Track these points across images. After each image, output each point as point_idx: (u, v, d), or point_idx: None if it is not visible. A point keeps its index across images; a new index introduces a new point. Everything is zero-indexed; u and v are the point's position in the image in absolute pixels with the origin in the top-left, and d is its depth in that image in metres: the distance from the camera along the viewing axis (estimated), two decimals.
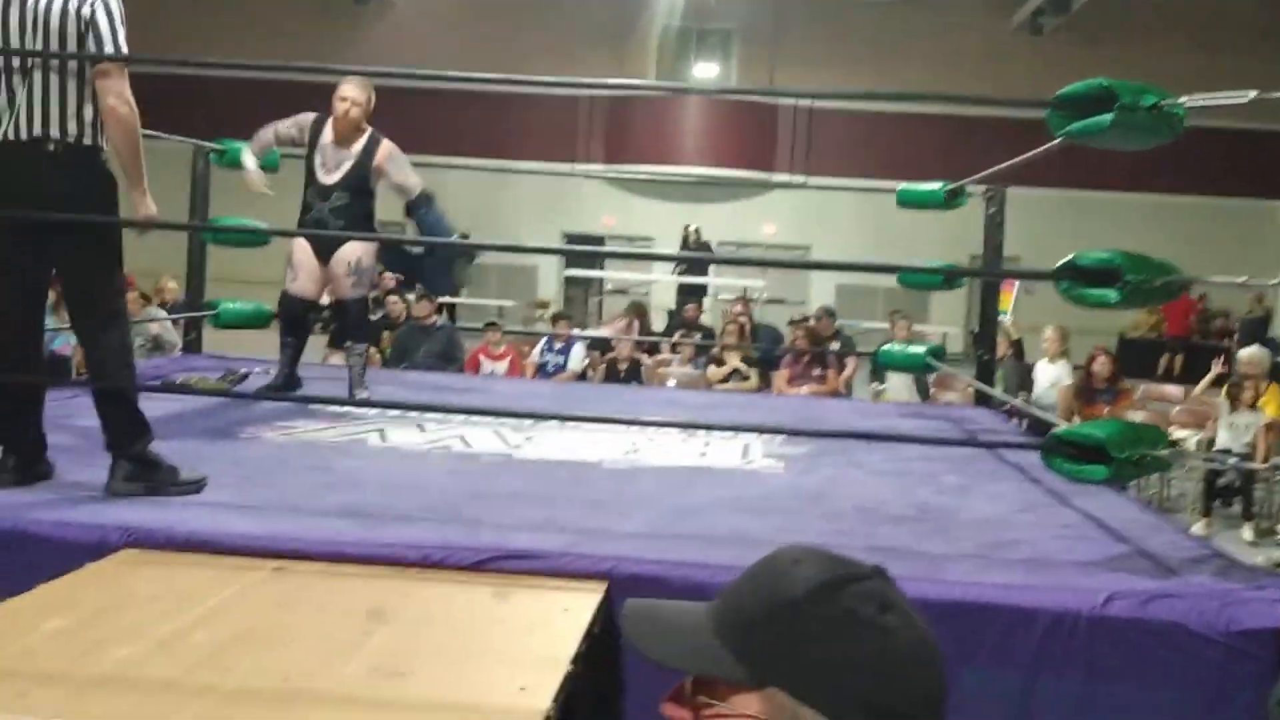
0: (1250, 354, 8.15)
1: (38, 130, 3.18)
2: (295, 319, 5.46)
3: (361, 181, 5.25)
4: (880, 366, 7.00)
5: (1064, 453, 3.12)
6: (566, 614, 2.46)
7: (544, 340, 9.57)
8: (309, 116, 5.35)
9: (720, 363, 9.55)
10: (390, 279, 12.33)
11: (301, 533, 2.86)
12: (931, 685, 1.02)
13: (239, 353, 6.76)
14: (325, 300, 5.74)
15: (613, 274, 18.10)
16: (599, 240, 19.95)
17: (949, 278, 5.90)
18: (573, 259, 18.32)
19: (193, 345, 6.81)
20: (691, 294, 14.48)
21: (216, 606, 2.38)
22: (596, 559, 2.75)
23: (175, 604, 2.36)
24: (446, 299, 15.79)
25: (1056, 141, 3.37)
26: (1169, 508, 7.56)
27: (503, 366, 9.03)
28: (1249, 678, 2.52)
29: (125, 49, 3.24)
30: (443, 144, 17.24)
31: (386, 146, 5.31)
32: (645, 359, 9.68)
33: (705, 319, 14.76)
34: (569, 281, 19.55)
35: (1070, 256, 3.18)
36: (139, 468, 3.23)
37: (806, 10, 19.59)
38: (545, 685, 2.03)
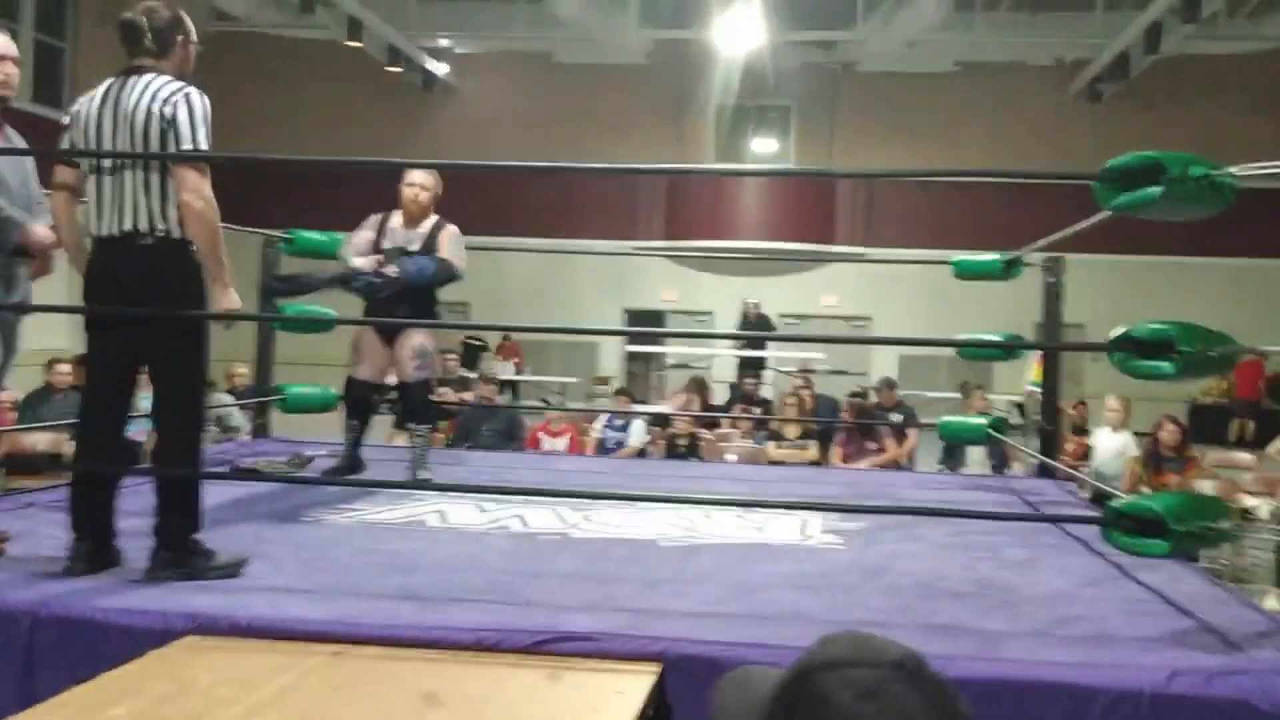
0: None
1: (129, 225, 3.32)
2: (360, 403, 5.58)
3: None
4: (942, 438, 6.93)
5: (1123, 526, 3.08)
6: (620, 696, 2.47)
7: (605, 416, 9.61)
8: (374, 217, 5.51)
9: (780, 437, 9.53)
10: (453, 361, 12.49)
11: (359, 616, 2.90)
12: None
13: (306, 435, 6.89)
14: (391, 380, 5.85)
15: (673, 349, 18.16)
16: (659, 316, 20.06)
17: (1009, 349, 5.85)
18: (633, 336, 18.44)
19: (261, 429, 6.94)
20: (751, 367, 14.47)
21: (275, 692, 2.42)
22: (650, 639, 2.76)
23: (236, 691, 2.40)
24: (507, 377, 15.97)
25: (1105, 214, 3.37)
26: (1243, 578, 7.34)
27: (563, 443, 9.08)
28: None
29: (205, 147, 3.35)
30: (506, 225, 17.52)
31: (450, 229, 5.46)
32: (705, 434, 9.68)
33: (766, 391, 14.75)
34: (630, 357, 19.64)
35: (1125, 329, 3.16)
36: (179, 555, 3.29)
37: (863, 84, 19.73)
38: None
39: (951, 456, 9.52)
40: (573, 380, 18.21)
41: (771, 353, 16.21)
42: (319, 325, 6.53)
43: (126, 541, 3.48)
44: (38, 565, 3.33)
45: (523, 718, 2.37)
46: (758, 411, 11.04)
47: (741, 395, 11.96)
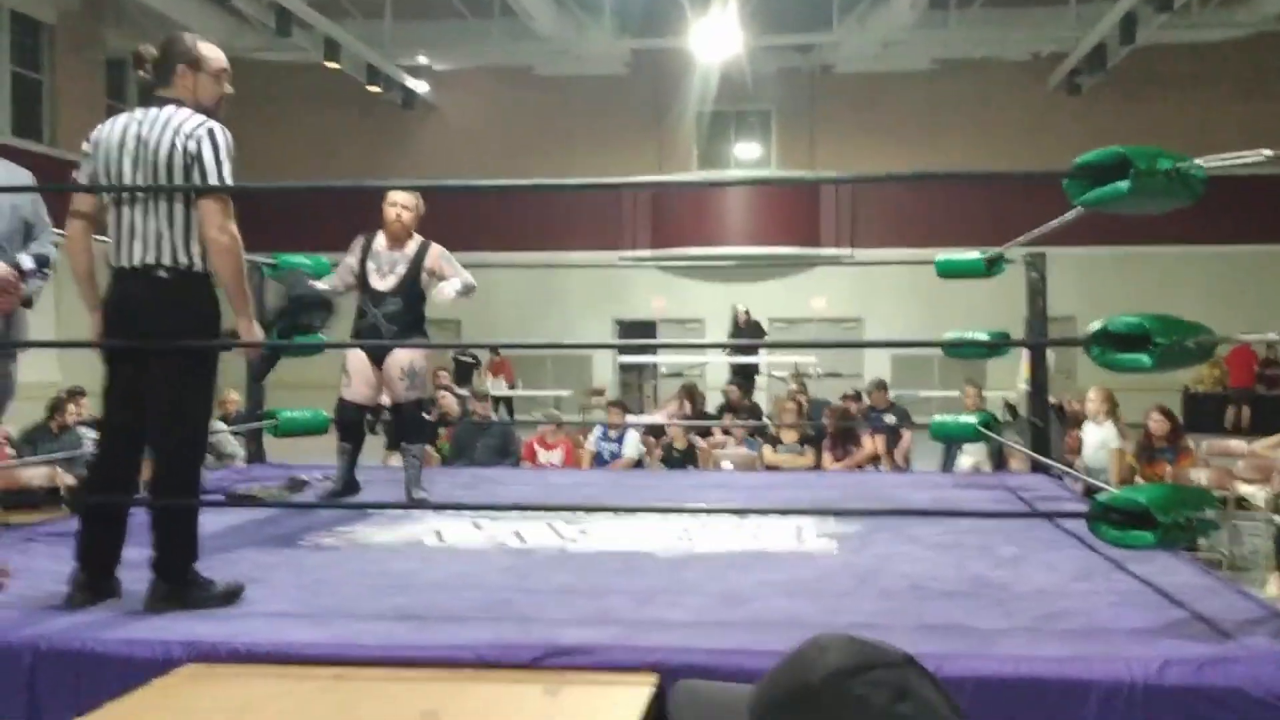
0: None
1: (151, 259, 3.35)
2: (351, 425, 5.60)
3: (413, 285, 5.41)
4: (933, 438, 6.97)
5: (1110, 519, 3.11)
6: (618, 708, 2.49)
7: (599, 428, 9.64)
8: (359, 239, 5.54)
9: (776, 442, 9.57)
10: (444, 377, 12.51)
11: (358, 638, 2.93)
12: None
13: (300, 459, 6.91)
14: (384, 401, 5.87)
15: (665, 359, 18.22)
16: (650, 326, 20.11)
17: (991, 348, 5.89)
18: (625, 348, 18.49)
19: (255, 454, 6.95)
20: (742, 374, 14.50)
21: (276, 717, 2.44)
22: (647, 650, 2.78)
23: (236, 717, 2.42)
24: (500, 393, 15.98)
25: (1076, 210, 3.41)
26: (1240, 566, 7.39)
27: (558, 456, 9.10)
28: None
29: (228, 181, 3.37)
30: (493, 241, 17.58)
31: (436, 249, 5.49)
32: (700, 442, 9.71)
33: (761, 397, 14.76)
34: (623, 368, 19.68)
35: (1100, 323, 3.20)
36: (176, 587, 3.31)
37: (842, 85, 19.82)
38: None
39: (952, 456, 9.54)
40: (566, 393, 18.25)
41: (764, 358, 16.26)
42: (308, 350, 6.56)
43: (126, 573, 3.50)
44: (38, 600, 3.35)
45: None
46: (745, 419, 11.08)
47: (727, 404, 11.99)
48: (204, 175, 3.34)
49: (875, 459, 9.21)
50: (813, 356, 16.04)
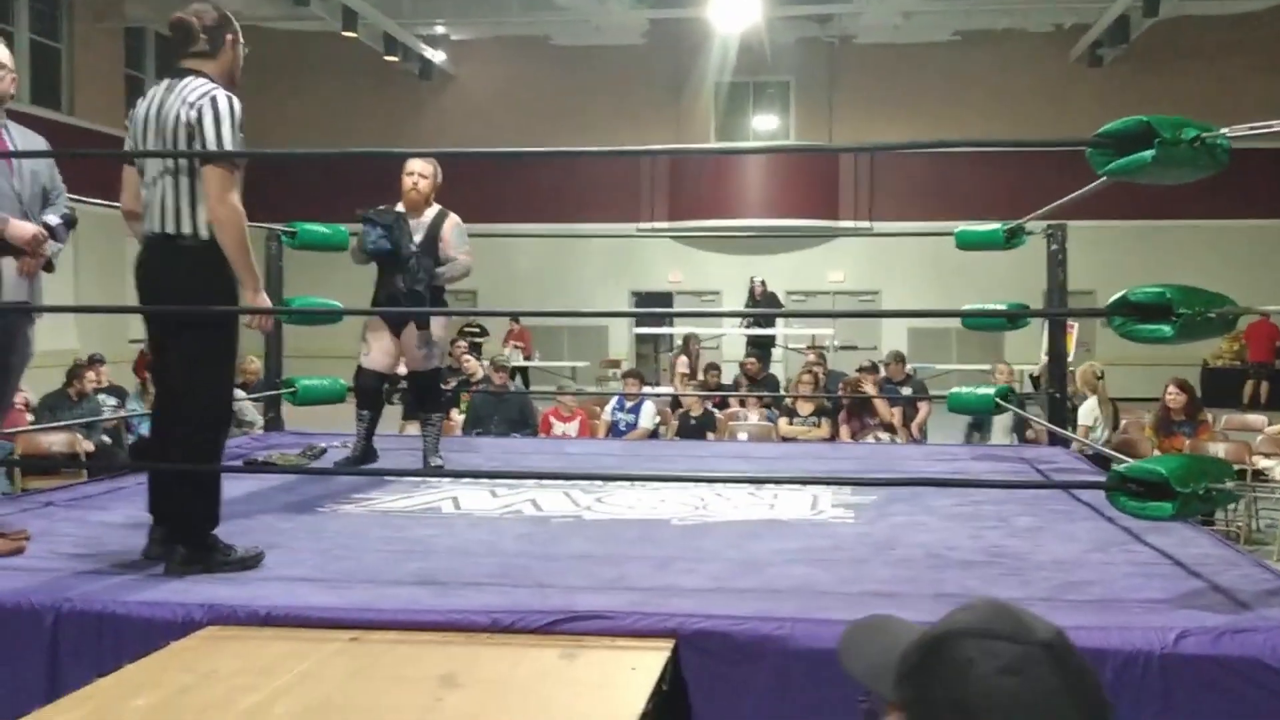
0: None
1: (170, 227, 3.40)
2: (370, 393, 5.61)
3: (432, 253, 5.41)
4: (951, 410, 6.94)
5: (1128, 490, 3.10)
6: (634, 672, 2.51)
7: (615, 399, 9.65)
8: (375, 212, 5.54)
9: (793, 414, 9.56)
10: (463, 346, 12.53)
11: (376, 603, 2.95)
12: None
13: (319, 427, 6.94)
14: (401, 371, 5.88)
15: (682, 330, 18.21)
16: (667, 297, 20.09)
17: (1010, 319, 5.86)
18: (642, 317, 18.48)
19: (274, 423, 6.98)
20: (759, 346, 14.47)
21: (295, 679, 2.46)
22: (663, 616, 2.79)
23: (255, 679, 2.44)
24: (517, 364, 16.00)
25: (1102, 180, 3.38)
26: (1258, 539, 7.37)
27: (573, 427, 9.11)
28: None
29: (230, 148, 3.37)
30: (511, 211, 17.57)
31: (452, 219, 5.49)
32: (718, 412, 9.70)
33: (778, 369, 14.75)
34: (639, 339, 19.68)
35: (1122, 293, 3.18)
36: (198, 551, 3.34)
37: (862, 57, 19.66)
38: None
39: (977, 429, 9.48)
40: (583, 364, 18.26)
41: (780, 330, 16.22)
42: (328, 318, 6.58)
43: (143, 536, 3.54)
44: (59, 563, 3.38)
45: (539, 696, 2.40)
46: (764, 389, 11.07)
47: (744, 375, 11.99)
48: (204, 143, 3.35)
49: (891, 428, 9.18)
50: (830, 329, 16.00)
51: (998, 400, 6.43)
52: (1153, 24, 16.23)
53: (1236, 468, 6.71)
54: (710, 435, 9.10)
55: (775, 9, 16.90)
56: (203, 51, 3.47)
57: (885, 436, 9.05)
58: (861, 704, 1.17)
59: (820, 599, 3.04)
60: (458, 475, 5.05)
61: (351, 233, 5.75)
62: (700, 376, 11.45)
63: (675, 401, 10.06)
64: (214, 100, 3.35)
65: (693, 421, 9.30)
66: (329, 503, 4.62)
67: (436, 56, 19.85)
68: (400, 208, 5.49)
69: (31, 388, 8.23)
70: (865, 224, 19.46)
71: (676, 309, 19.79)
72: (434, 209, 5.50)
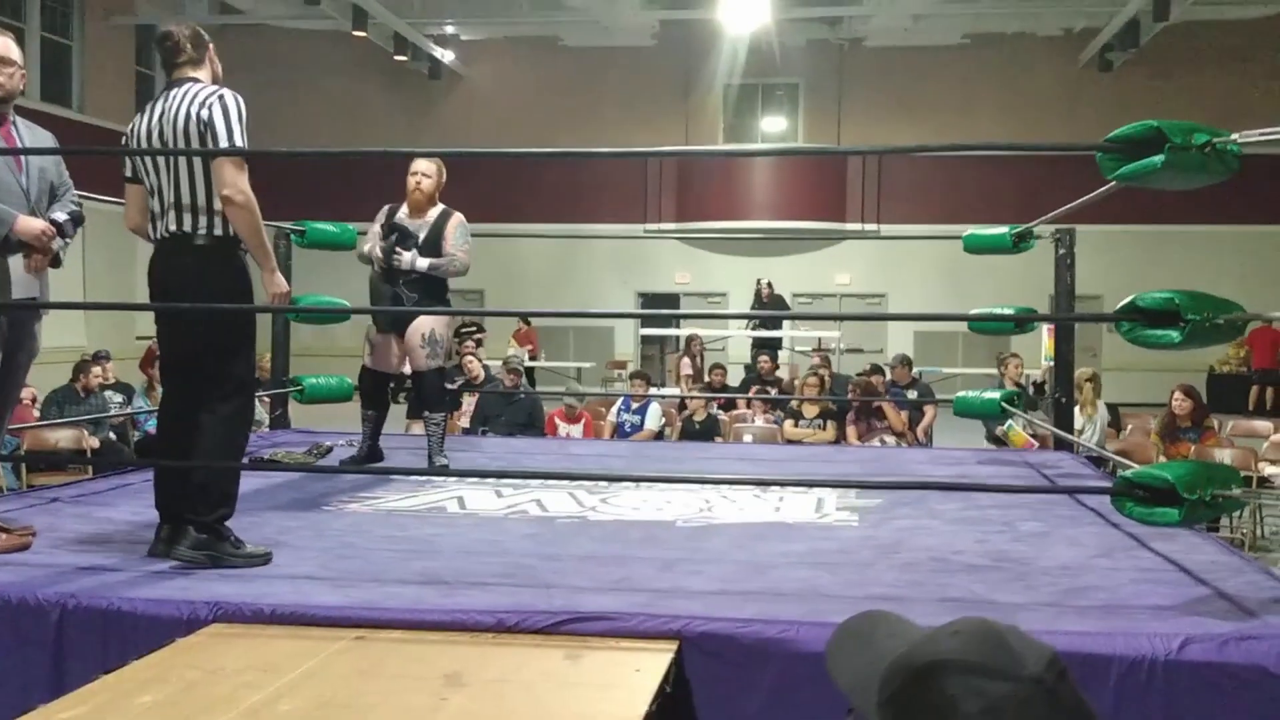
0: None
1: (187, 227, 3.47)
2: (374, 392, 5.62)
3: (435, 253, 5.41)
4: (956, 414, 6.93)
5: (1135, 496, 3.09)
6: (638, 674, 2.51)
7: (621, 400, 9.64)
8: (384, 209, 5.56)
9: (799, 416, 9.54)
10: (470, 347, 12.51)
11: (381, 602, 2.95)
12: None
13: (325, 426, 6.95)
14: (406, 371, 5.89)
15: (688, 331, 18.21)
16: (673, 299, 20.08)
17: (1017, 323, 5.85)
18: (648, 318, 18.48)
19: (280, 420, 7.00)
20: (766, 348, 14.46)
21: (300, 677, 2.47)
22: (668, 618, 2.79)
23: (260, 676, 2.45)
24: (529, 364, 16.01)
25: (1111, 185, 3.37)
26: (1263, 545, 7.36)
27: (578, 429, 9.11)
28: None
29: (241, 144, 3.46)
30: (518, 211, 17.58)
31: (456, 218, 5.49)
32: (722, 415, 9.69)
33: (784, 372, 14.72)
34: (645, 340, 19.67)
35: (1130, 298, 3.17)
36: (207, 538, 3.35)
37: (871, 59, 19.64)
38: None
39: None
40: (588, 365, 18.26)
41: (787, 332, 16.20)
42: (334, 316, 6.59)
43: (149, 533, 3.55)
44: (64, 558, 3.39)
45: (543, 697, 2.41)
46: (772, 391, 11.06)
47: (756, 375, 11.97)
48: (216, 140, 3.43)
49: (899, 434, 9.17)
50: (836, 331, 15.99)
51: (1003, 405, 6.42)
52: (1163, 28, 16.20)
53: (1242, 474, 6.70)
54: (716, 439, 9.09)
55: (785, 11, 16.89)
56: (192, 59, 3.60)
57: (891, 440, 9.03)
58: (849, 714, 1.11)
59: (825, 602, 3.05)
60: (463, 475, 5.06)
61: (360, 231, 5.75)
62: (705, 378, 11.43)
63: (681, 404, 10.05)
64: (222, 98, 3.48)
65: (696, 426, 9.29)
66: (335, 501, 4.63)
67: (446, 56, 19.86)
68: (405, 208, 5.49)
69: (38, 383, 8.24)
70: (873, 227, 19.44)
71: (683, 310, 19.81)
72: (438, 208, 5.50)
